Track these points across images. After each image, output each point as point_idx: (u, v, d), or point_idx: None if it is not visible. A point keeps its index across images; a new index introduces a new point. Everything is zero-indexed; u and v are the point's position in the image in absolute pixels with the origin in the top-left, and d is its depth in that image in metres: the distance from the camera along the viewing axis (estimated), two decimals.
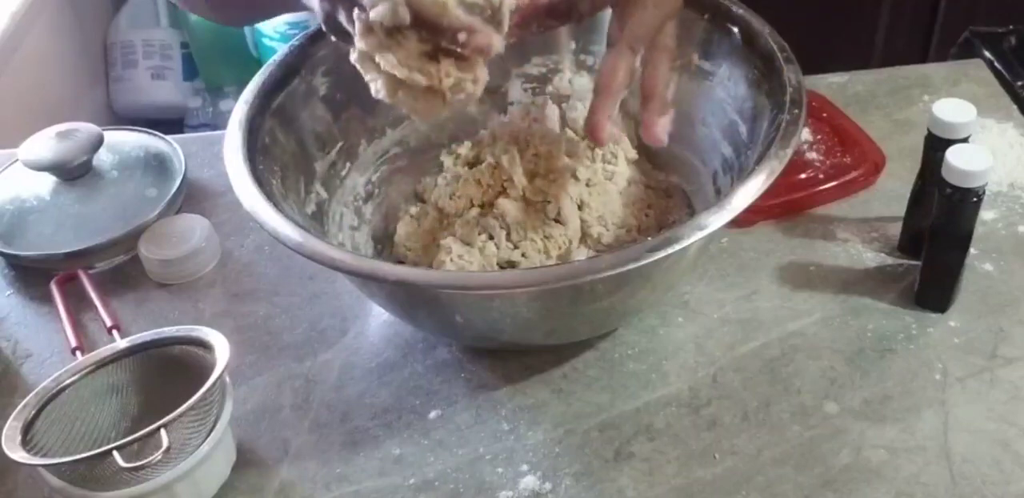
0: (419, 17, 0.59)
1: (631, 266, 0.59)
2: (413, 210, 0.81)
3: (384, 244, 0.81)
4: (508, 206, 0.77)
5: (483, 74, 0.62)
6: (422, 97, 0.63)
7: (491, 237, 0.76)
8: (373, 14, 0.58)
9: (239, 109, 0.73)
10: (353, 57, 0.63)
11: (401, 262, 0.78)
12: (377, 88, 0.63)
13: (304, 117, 0.77)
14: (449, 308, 0.68)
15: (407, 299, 0.70)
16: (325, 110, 0.78)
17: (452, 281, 0.64)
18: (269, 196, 0.67)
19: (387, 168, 0.82)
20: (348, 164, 0.79)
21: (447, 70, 0.61)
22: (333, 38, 0.64)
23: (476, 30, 0.59)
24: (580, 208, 0.78)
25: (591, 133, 0.67)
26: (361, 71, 0.63)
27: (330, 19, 0.63)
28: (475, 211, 0.78)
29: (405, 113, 0.65)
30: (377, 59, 0.61)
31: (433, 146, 0.84)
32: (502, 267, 0.76)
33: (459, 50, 0.60)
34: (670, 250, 0.59)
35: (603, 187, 0.79)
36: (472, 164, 0.82)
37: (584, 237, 0.77)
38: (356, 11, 0.60)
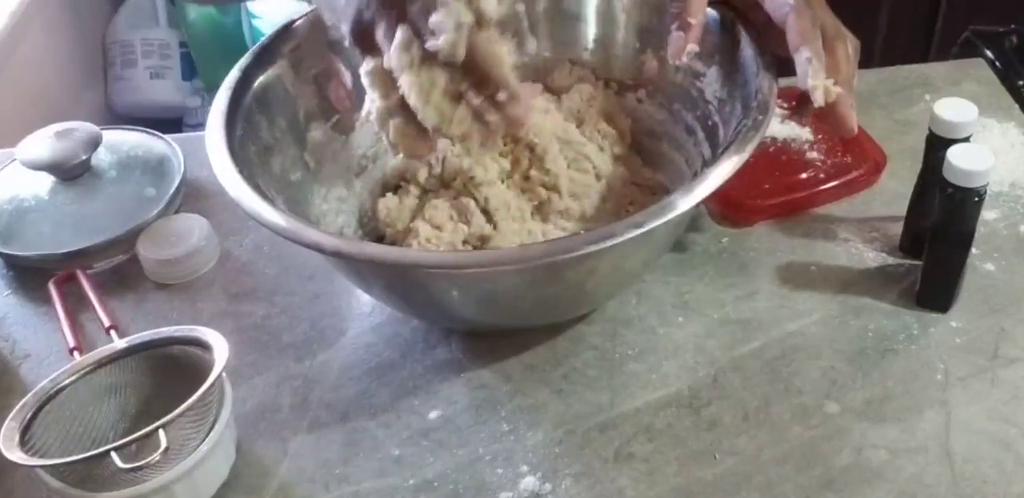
0: (473, 61, 0.57)
1: (564, 256, 0.60)
2: (397, 187, 0.82)
3: (370, 219, 0.81)
4: (490, 191, 0.78)
5: (496, 138, 0.61)
6: (410, 135, 0.62)
7: (466, 220, 0.77)
8: (438, 42, 0.57)
9: (231, 76, 0.75)
10: (366, 68, 0.62)
11: (382, 238, 0.79)
12: (371, 108, 0.62)
13: (296, 90, 0.77)
14: (417, 287, 0.68)
15: (374, 277, 0.70)
16: (318, 86, 0.79)
17: (383, 256, 0.64)
18: (242, 160, 0.68)
19: (382, 144, 0.83)
20: (343, 137, 0.80)
21: (462, 116, 0.60)
22: (348, 44, 0.63)
23: (518, 97, 0.58)
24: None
25: (844, 128, 0.68)
26: (367, 86, 0.62)
27: (361, 27, 0.61)
28: (449, 193, 0.79)
29: (385, 144, 0.65)
30: (399, 78, 0.59)
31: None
32: (474, 246, 0.77)
33: (486, 112, 0.58)
34: (602, 245, 0.59)
35: (583, 179, 0.79)
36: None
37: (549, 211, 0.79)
38: (401, 26, 0.58)
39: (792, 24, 0.68)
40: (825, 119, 0.69)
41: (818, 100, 0.67)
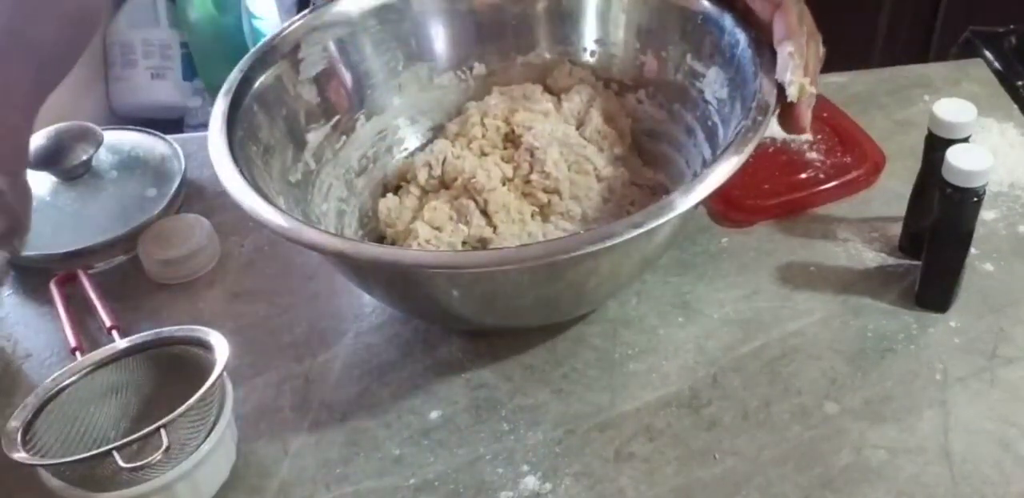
0: None
1: (564, 256, 0.60)
2: (398, 188, 0.83)
3: (371, 219, 0.81)
4: (490, 194, 0.78)
5: None
6: None
7: (466, 221, 0.77)
8: None
9: (232, 77, 0.75)
10: None
11: (383, 238, 0.80)
12: None
13: (297, 90, 0.78)
14: (417, 287, 0.69)
15: (374, 278, 0.70)
16: (318, 86, 0.79)
17: (383, 256, 0.64)
18: (243, 161, 0.69)
19: (384, 144, 0.83)
20: (344, 137, 0.81)
21: None
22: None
23: None
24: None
25: (797, 126, 0.69)
26: None
27: None
28: (448, 194, 0.79)
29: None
30: None
31: (434, 124, 0.86)
32: (474, 248, 0.77)
33: None
34: (602, 245, 0.60)
35: (584, 181, 0.79)
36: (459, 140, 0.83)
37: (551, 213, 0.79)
38: None
39: (780, 17, 0.68)
40: (781, 113, 0.69)
41: (792, 95, 0.67)
